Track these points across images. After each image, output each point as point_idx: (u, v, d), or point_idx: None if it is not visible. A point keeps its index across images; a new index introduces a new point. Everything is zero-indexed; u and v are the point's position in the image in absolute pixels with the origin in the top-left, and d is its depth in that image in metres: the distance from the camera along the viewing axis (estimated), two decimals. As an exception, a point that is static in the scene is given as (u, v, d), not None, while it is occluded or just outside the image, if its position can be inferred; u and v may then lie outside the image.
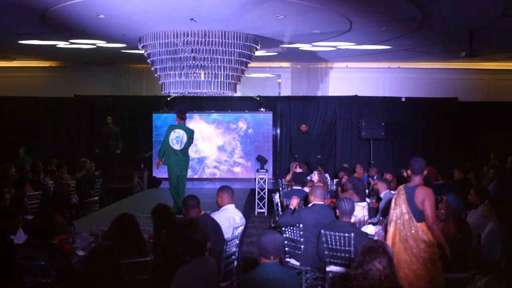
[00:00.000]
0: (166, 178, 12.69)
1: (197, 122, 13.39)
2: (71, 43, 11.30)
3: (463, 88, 14.41)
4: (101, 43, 11.21)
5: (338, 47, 11.43)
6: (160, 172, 13.35)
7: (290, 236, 5.51)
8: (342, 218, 5.17)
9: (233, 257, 5.02)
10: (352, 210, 5.21)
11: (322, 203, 5.67)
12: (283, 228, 5.64)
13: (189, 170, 8.91)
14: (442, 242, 4.49)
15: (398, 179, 7.64)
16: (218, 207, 5.53)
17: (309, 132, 13.33)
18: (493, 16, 8.47)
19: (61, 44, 11.35)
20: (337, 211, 5.24)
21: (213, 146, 13.66)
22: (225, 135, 13.70)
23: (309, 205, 5.70)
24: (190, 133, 8.31)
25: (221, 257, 4.69)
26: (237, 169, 13.66)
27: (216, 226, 4.97)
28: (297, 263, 5.46)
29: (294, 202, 5.84)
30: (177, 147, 8.12)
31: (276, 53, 12.46)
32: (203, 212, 5.06)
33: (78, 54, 12.73)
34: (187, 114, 8.77)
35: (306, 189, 7.34)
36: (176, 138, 8.09)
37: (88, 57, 13.32)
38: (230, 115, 13.79)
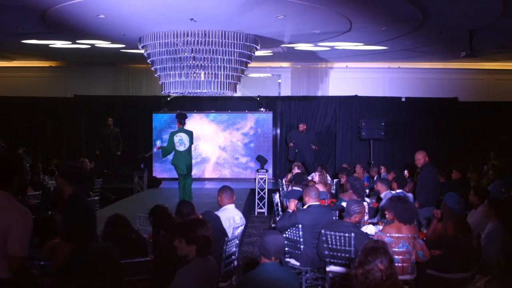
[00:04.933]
0: (166, 178, 12.82)
1: (197, 122, 13.39)
2: (71, 43, 11.30)
3: (463, 88, 14.41)
4: (101, 43, 11.22)
5: (338, 47, 11.44)
6: (160, 172, 13.43)
7: (289, 237, 5.51)
8: (345, 218, 5.15)
9: (233, 257, 5.02)
10: (355, 213, 5.15)
11: (318, 203, 5.66)
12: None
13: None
14: None
15: (396, 179, 7.63)
16: (218, 206, 5.54)
17: (307, 131, 13.27)
18: (493, 16, 8.47)
19: (61, 44, 11.35)
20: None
21: (213, 146, 13.65)
22: (225, 135, 13.69)
23: (305, 206, 5.67)
24: (190, 134, 9.25)
25: (221, 257, 4.69)
26: (237, 169, 13.66)
27: (218, 222, 4.99)
28: (297, 263, 5.45)
29: (292, 205, 5.84)
30: (181, 148, 9.05)
31: (275, 53, 12.46)
32: (200, 217, 5.01)
33: (78, 54, 12.74)
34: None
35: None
36: (180, 141, 9.03)
37: (88, 57, 13.33)
38: (230, 115, 13.79)
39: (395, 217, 4.90)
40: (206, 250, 3.54)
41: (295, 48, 11.65)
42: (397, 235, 4.77)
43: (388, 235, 4.79)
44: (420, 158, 7.41)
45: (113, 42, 11.04)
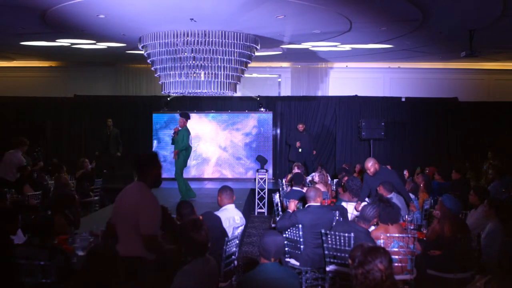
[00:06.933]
0: (166, 178, 12.78)
1: (197, 122, 13.38)
2: (71, 43, 11.30)
3: (463, 88, 14.42)
4: (101, 43, 11.22)
5: (338, 46, 11.44)
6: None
7: (289, 237, 5.51)
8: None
9: (233, 257, 5.02)
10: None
11: (317, 204, 5.65)
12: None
13: (190, 170, 10.18)
14: None
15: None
16: (218, 207, 5.54)
17: (306, 130, 13.28)
18: (493, 16, 8.47)
19: (61, 44, 11.35)
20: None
21: (213, 146, 13.65)
22: (225, 135, 13.68)
23: (305, 206, 5.70)
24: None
25: (221, 257, 4.69)
26: (237, 169, 13.65)
27: (218, 222, 4.98)
28: (297, 263, 5.45)
29: (292, 206, 5.84)
30: (191, 144, 9.69)
31: (277, 53, 12.46)
32: (200, 218, 5.01)
33: (78, 54, 12.74)
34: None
35: (305, 190, 7.32)
36: (191, 138, 9.63)
37: (88, 57, 13.33)
38: (230, 115, 13.78)
39: (378, 219, 4.92)
40: (196, 253, 3.56)
41: (309, 48, 11.66)
42: (388, 234, 4.78)
43: (381, 236, 4.80)
44: (371, 166, 7.03)
45: (113, 42, 11.04)
